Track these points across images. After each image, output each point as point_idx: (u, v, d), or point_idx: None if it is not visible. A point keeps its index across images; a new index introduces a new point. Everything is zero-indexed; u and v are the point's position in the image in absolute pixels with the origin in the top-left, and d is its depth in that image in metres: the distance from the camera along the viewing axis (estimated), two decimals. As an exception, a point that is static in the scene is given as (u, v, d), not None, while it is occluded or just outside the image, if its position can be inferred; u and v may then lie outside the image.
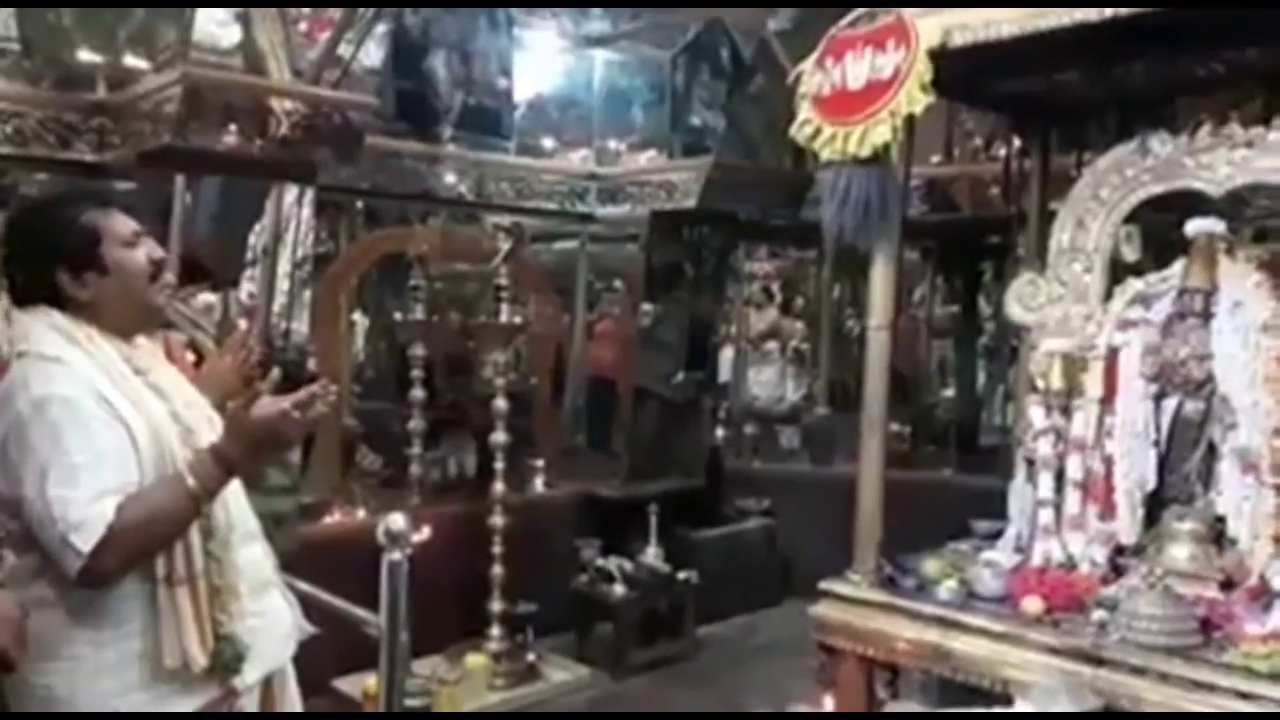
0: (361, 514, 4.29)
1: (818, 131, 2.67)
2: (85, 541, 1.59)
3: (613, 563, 4.52)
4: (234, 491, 1.86)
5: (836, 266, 6.36)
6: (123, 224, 1.85)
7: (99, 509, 1.61)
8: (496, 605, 4.14)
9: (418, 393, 4.24)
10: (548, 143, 5.87)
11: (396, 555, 2.03)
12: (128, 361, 1.81)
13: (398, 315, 4.51)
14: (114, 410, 1.70)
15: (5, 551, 1.79)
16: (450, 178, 4.64)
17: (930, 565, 2.66)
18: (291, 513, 3.77)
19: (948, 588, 2.54)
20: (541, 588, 4.32)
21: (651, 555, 4.63)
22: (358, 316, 5.16)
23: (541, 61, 5.48)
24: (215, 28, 3.87)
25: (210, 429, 1.89)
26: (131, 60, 3.57)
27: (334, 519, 4.26)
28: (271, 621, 1.94)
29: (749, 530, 5.44)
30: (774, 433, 6.40)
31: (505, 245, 4.11)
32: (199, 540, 1.77)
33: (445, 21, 4.49)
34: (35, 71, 3.57)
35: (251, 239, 4.15)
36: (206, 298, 4.16)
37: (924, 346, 6.42)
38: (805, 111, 2.71)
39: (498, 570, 4.13)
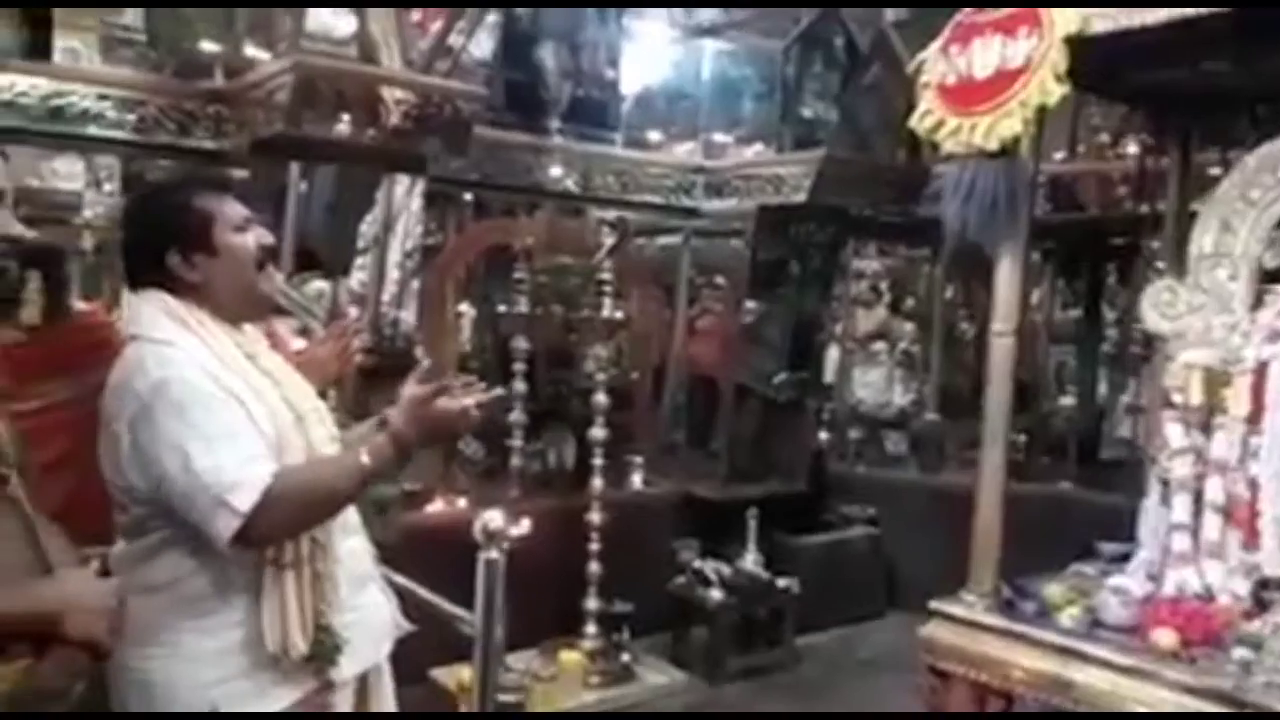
0: (462, 504, 4.31)
1: (940, 123, 2.53)
2: (243, 501, 1.58)
3: (710, 566, 4.43)
4: None
5: (950, 266, 6.15)
6: (235, 209, 1.85)
7: (254, 471, 1.61)
8: (592, 603, 4.10)
9: (519, 385, 4.23)
10: (655, 135, 5.81)
11: (493, 554, 1.98)
12: (239, 347, 1.81)
13: (501, 308, 4.50)
14: (231, 392, 1.69)
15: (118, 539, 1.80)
16: (557, 170, 4.61)
17: (1052, 589, 2.51)
18: (395, 500, 3.79)
19: (1070, 614, 2.39)
20: (636, 587, 4.25)
21: (750, 560, 4.52)
22: (466, 307, 5.19)
23: (650, 52, 5.41)
24: (331, 17, 3.92)
25: (317, 418, 1.88)
26: (252, 50, 3.64)
27: (435, 508, 4.28)
28: (368, 617, 1.91)
29: (852, 539, 5.29)
30: (880, 437, 6.20)
31: (609, 239, 4.06)
32: None
33: (554, 12, 4.46)
34: (158, 61, 3.67)
35: (363, 228, 4.19)
36: (318, 285, 4.23)
37: (1043, 352, 6.16)
38: (927, 101, 2.57)
39: (594, 567, 4.09)
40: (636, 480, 4.96)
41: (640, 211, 5.06)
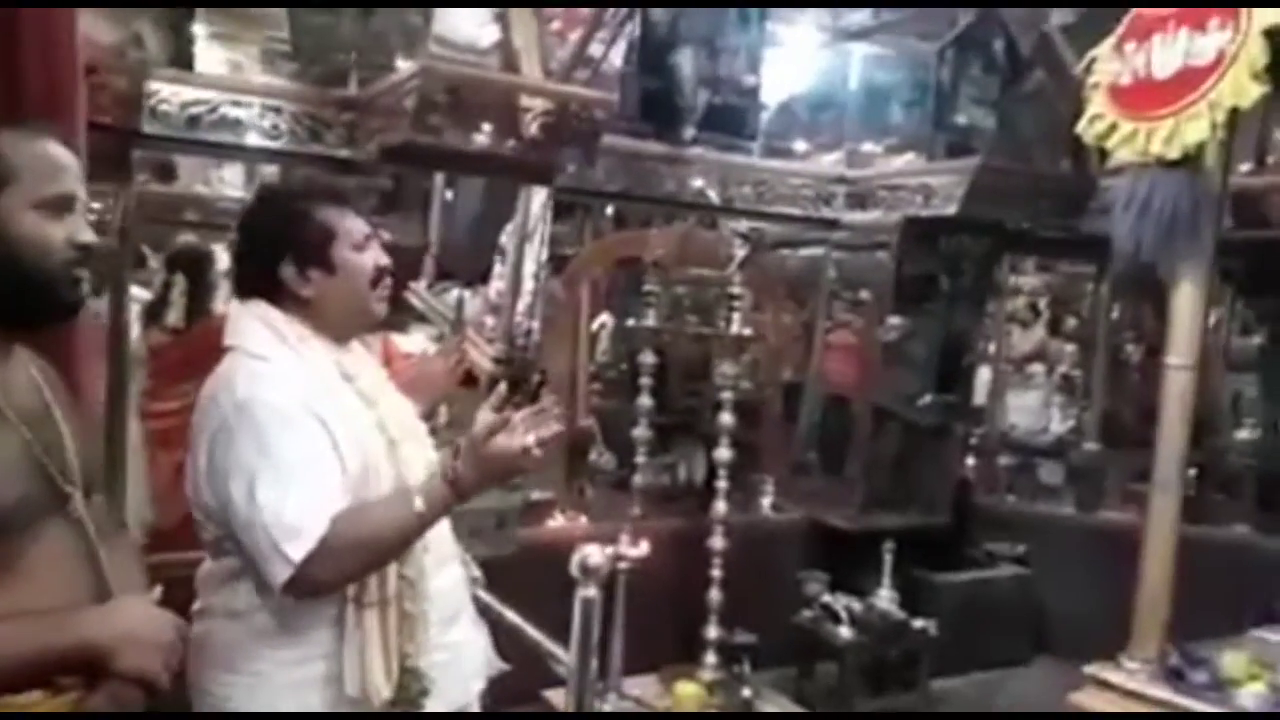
0: (583, 520, 4.20)
1: (1113, 128, 2.27)
2: (297, 550, 1.50)
3: (840, 601, 4.17)
4: None
5: (1116, 284, 5.70)
6: (356, 225, 1.78)
7: (312, 518, 1.52)
8: (713, 631, 3.91)
9: (645, 400, 4.11)
10: (799, 145, 5.59)
11: (590, 591, 1.83)
12: (336, 365, 1.74)
13: (629, 321, 4.40)
14: (318, 417, 1.62)
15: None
16: (691, 180, 4.47)
17: (1229, 659, 2.20)
18: (515, 512, 3.73)
19: (1253, 691, 2.08)
20: (759, 616, 4.03)
21: (884, 597, 4.23)
22: (605, 317, 5.12)
23: (794, 57, 5.21)
24: (475, 28, 3.90)
25: (414, 439, 1.79)
26: (402, 64, 3.63)
27: (555, 523, 4.18)
28: (459, 656, 1.82)
29: (998, 578, 4.91)
30: (1033, 467, 5.79)
31: (740, 252, 3.89)
32: (394, 563, 1.66)
33: (694, 17, 4.32)
34: (300, 71, 3.71)
35: (502, 239, 4.18)
36: (457, 293, 4.24)
37: (1218, 380, 5.63)
38: (1097, 104, 2.32)
39: (715, 594, 3.91)
40: (765, 503, 4.75)
41: (778, 223, 4.86)
